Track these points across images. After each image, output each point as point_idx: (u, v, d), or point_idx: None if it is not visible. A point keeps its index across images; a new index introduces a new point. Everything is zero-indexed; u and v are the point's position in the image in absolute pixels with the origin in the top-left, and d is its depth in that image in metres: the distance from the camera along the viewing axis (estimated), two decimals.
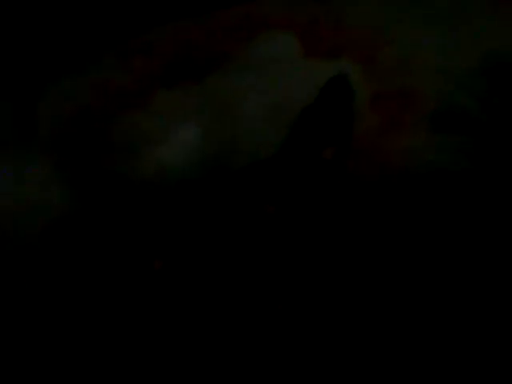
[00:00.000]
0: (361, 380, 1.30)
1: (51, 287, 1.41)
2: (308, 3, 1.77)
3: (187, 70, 1.65)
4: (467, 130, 1.54)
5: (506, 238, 1.40)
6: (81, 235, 1.44)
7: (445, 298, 1.36)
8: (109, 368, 1.35)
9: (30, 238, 1.42)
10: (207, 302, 1.36)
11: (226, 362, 1.33)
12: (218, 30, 1.74)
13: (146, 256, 1.40)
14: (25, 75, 1.62)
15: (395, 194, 1.47)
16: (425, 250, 1.41)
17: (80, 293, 1.41)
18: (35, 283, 1.40)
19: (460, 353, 1.31)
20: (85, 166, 1.51)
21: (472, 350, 1.31)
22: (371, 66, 1.63)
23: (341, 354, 1.32)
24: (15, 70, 1.62)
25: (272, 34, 1.67)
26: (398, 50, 1.65)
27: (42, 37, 1.69)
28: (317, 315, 1.35)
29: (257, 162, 1.40)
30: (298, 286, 1.37)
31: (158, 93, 1.55)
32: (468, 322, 1.33)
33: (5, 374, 1.33)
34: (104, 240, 1.45)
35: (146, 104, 1.54)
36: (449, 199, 1.46)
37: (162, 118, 1.49)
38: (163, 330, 1.36)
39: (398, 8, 1.71)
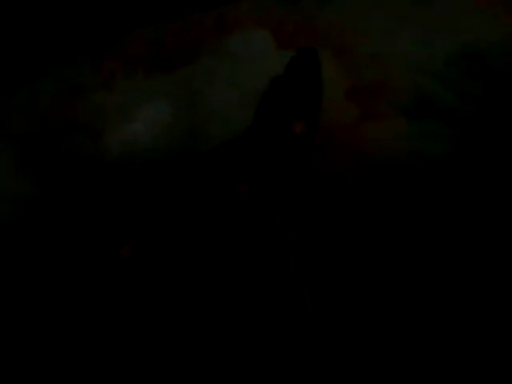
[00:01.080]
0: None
1: (19, 275, 1.37)
2: (278, 6, 1.76)
3: (159, 64, 1.62)
4: (442, 117, 1.51)
5: (489, 223, 1.37)
6: (48, 222, 1.40)
7: (429, 289, 1.32)
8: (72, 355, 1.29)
9: None
10: (179, 290, 1.30)
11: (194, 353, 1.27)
12: (191, 30, 1.73)
13: (114, 242, 1.34)
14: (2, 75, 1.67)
15: (372, 182, 1.44)
16: (407, 239, 1.37)
17: (48, 281, 1.36)
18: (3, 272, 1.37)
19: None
20: (50, 151, 1.48)
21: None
22: (345, 59, 1.61)
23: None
24: None
25: (245, 30, 1.66)
26: (371, 44, 1.63)
27: (21, 39, 1.73)
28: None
29: (226, 141, 1.36)
30: (270, 270, 1.32)
31: (125, 79, 1.52)
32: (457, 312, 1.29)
33: None
34: (70, 226, 1.40)
35: (111, 88, 1.51)
36: (428, 185, 1.43)
37: (127, 98, 1.45)
38: (132, 322, 1.30)
39: (370, 6, 1.70)
